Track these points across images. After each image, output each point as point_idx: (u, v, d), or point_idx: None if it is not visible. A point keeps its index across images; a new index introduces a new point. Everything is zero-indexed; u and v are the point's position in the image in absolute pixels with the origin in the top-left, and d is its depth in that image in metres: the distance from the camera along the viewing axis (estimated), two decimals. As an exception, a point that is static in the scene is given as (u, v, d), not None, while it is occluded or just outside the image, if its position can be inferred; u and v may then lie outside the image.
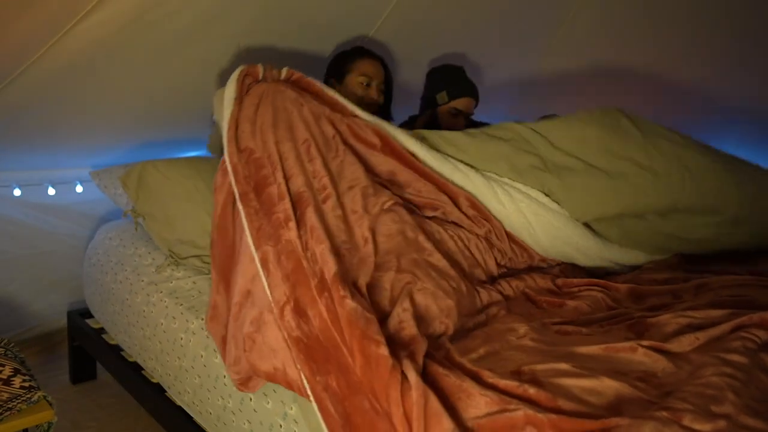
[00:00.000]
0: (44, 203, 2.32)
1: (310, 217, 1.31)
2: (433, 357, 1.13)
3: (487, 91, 2.38)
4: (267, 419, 1.31)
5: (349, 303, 1.12)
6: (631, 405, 1.00)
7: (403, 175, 1.59)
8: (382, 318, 1.19)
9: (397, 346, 1.12)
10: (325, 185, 1.42)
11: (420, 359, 1.08)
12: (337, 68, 2.03)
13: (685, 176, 1.63)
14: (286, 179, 1.39)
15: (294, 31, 2.03)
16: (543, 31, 2.57)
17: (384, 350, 1.04)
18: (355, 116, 1.66)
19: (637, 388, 1.03)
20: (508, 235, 1.65)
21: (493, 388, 1.05)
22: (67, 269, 2.39)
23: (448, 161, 1.65)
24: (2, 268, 2.26)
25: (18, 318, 2.32)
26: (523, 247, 1.67)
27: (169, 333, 1.66)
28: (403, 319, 1.20)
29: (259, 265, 1.25)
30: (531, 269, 1.69)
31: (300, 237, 1.27)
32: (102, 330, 2.13)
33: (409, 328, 1.17)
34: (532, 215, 1.63)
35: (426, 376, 1.06)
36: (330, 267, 1.20)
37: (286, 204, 1.33)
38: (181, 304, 1.68)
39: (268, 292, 1.22)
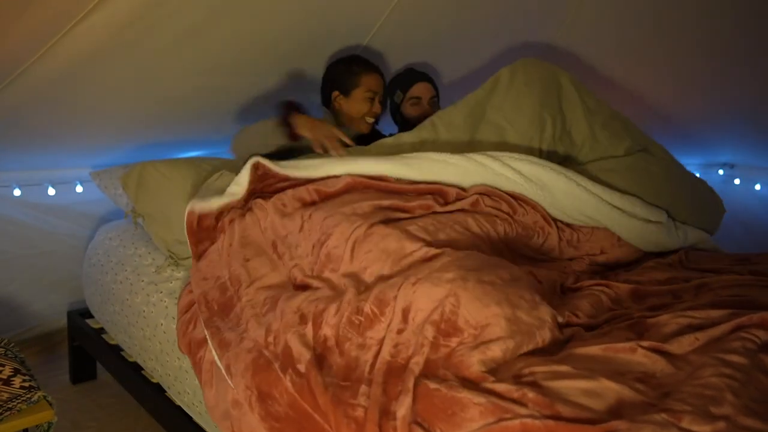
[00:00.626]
0: (44, 203, 2.32)
1: (281, 306, 1.36)
2: (429, 373, 1.12)
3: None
4: (267, 419, 1.31)
5: (321, 382, 1.14)
6: (630, 408, 0.99)
7: (389, 199, 1.61)
8: (378, 353, 1.19)
9: (391, 377, 1.13)
10: (294, 276, 1.48)
11: (410, 387, 1.08)
12: (341, 82, 2.05)
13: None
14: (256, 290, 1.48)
15: (288, 37, 2.04)
16: (535, 40, 2.57)
17: (360, 411, 1.07)
18: (318, 179, 1.67)
19: (636, 390, 1.03)
20: (512, 195, 1.70)
21: (490, 393, 1.04)
22: (67, 269, 2.39)
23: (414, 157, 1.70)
24: (2, 268, 2.26)
25: (18, 318, 2.32)
26: (526, 202, 1.71)
27: (169, 333, 1.66)
28: (398, 342, 1.19)
29: (224, 372, 1.30)
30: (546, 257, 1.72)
31: (267, 333, 1.31)
32: (102, 330, 2.13)
33: (404, 351, 1.17)
34: (521, 166, 1.71)
35: (416, 397, 1.06)
36: (303, 353, 1.22)
37: (248, 316, 1.40)
38: (182, 304, 1.68)
39: (235, 391, 1.26)
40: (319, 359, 1.20)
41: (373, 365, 1.16)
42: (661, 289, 1.53)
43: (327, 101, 2.11)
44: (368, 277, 1.36)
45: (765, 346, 1.15)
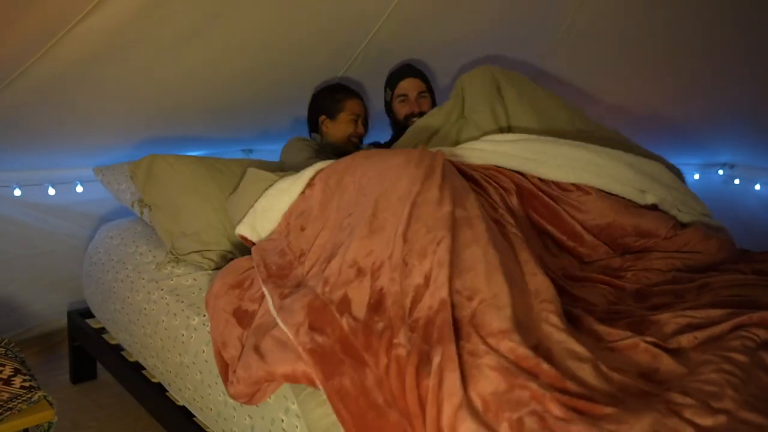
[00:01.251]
0: (44, 203, 2.31)
1: (338, 260, 1.38)
2: (459, 333, 1.15)
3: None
4: (268, 414, 1.31)
5: (380, 325, 1.19)
6: (633, 397, 1.01)
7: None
8: (417, 300, 1.23)
9: (430, 327, 1.16)
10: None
11: (447, 336, 1.11)
12: (327, 108, 2.24)
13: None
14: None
15: (287, 37, 2.06)
16: (534, 42, 2.58)
17: (402, 351, 1.11)
18: None
19: (639, 383, 1.04)
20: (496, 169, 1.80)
21: (506, 358, 1.07)
22: (67, 269, 2.39)
23: None
24: (2, 268, 2.25)
25: (18, 318, 2.32)
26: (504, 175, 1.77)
27: (170, 330, 1.66)
28: (437, 295, 1.21)
29: (274, 312, 1.33)
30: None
31: (324, 284, 1.34)
32: (102, 330, 2.13)
33: (439, 307, 1.19)
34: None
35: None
36: (361, 302, 1.26)
37: (309, 276, 1.44)
38: (182, 301, 1.68)
39: (283, 326, 1.27)
40: (375, 306, 1.24)
41: (411, 310, 1.20)
42: (664, 288, 1.53)
43: (314, 126, 2.25)
44: (412, 233, 1.38)
45: (765, 344, 1.15)
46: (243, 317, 1.43)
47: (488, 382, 1.02)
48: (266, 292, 1.41)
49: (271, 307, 1.36)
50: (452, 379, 1.03)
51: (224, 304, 1.48)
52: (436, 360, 1.07)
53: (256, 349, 1.29)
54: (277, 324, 1.29)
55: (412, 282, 1.25)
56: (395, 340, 1.14)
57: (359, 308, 1.24)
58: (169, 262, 1.85)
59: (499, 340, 1.11)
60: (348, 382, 1.13)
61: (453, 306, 1.20)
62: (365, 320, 1.20)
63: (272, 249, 1.59)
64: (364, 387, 1.11)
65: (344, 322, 1.22)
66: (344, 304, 1.26)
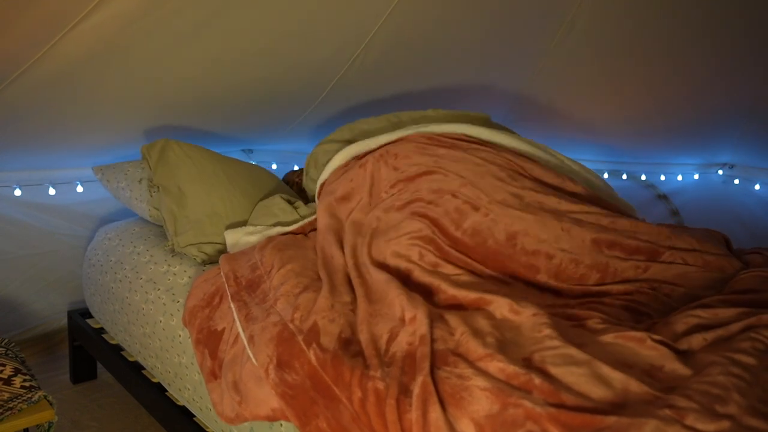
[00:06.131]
0: (44, 203, 2.31)
1: (312, 295, 1.39)
2: (438, 362, 1.15)
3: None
4: (267, 417, 1.31)
5: (347, 359, 1.19)
6: (635, 400, 0.99)
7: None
8: (392, 338, 1.24)
9: (409, 360, 1.16)
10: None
11: (425, 373, 1.10)
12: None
13: None
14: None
15: (284, 35, 2.06)
16: (534, 46, 2.58)
17: (380, 384, 1.10)
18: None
19: (643, 382, 1.03)
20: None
21: (496, 378, 1.06)
22: (67, 269, 2.39)
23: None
24: (2, 268, 2.25)
25: (18, 318, 2.32)
26: None
27: (168, 330, 1.66)
28: (415, 330, 1.22)
29: (245, 342, 1.33)
30: None
31: (294, 310, 1.33)
32: (102, 330, 2.13)
33: (419, 341, 1.20)
34: None
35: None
36: (330, 331, 1.26)
37: (278, 294, 1.44)
38: (178, 301, 1.68)
39: (254, 360, 1.28)
40: (346, 341, 1.24)
41: (386, 351, 1.20)
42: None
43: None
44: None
45: (775, 346, 1.13)
46: (212, 337, 1.45)
47: (480, 404, 1.01)
48: (234, 311, 1.43)
49: (240, 331, 1.36)
50: (437, 411, 1.02)
51: (197, 328, 1.50)
52: (416, 391, 1.06)
53: (236, 387, 1.30)
54: (250, 357, 1.29)
55: (383, 327, 1.26)
56: (371, 373, 1.12)
57: (329, 340, 1.23)
58: (167, 250, 1.89)
59: (487, 362, 1.11)
60: (324, 424, 1.13)
61: (434, 340, 1.20)
62: (334, 351, 1.19)
63: (244, 262, 1.60)
64: (341, 426, 1.11)
65: (311, 354, 1.20)
66: (313, 334, 1.24)
